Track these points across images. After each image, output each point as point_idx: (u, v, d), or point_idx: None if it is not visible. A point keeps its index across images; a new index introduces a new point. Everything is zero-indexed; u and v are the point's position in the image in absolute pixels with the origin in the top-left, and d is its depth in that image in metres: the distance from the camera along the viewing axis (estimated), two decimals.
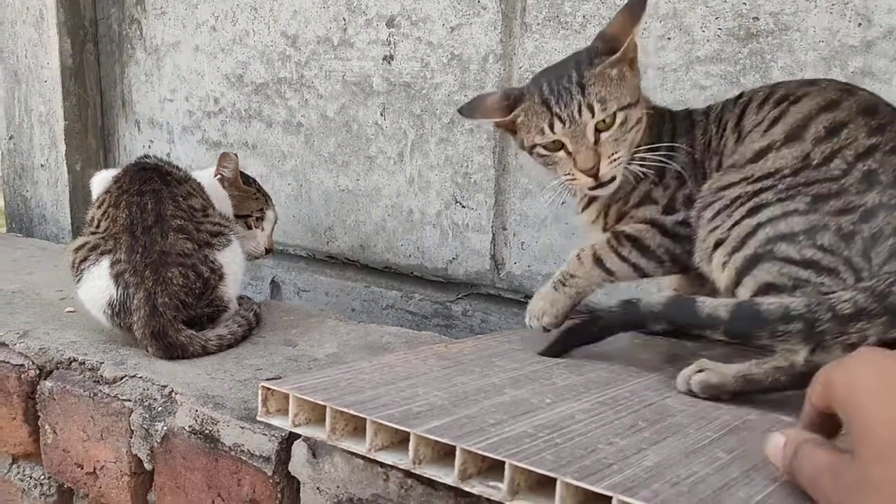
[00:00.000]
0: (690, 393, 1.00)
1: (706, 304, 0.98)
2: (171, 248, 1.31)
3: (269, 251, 1.66)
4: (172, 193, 1.37)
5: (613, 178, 1.11)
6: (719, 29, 1.33)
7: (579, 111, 1.08)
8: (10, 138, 2.50)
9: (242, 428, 1.06)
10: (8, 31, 2.42)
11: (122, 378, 1.23)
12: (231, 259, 1.38)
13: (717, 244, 1.03)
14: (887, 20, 1.20)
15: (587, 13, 1.45)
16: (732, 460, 0.79)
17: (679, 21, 1.36)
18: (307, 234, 1.95)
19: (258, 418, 0.96)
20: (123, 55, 2.32)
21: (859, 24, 1.22)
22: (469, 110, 1.19)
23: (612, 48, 1.09)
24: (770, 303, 0.93)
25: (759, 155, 1.03)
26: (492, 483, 0.77)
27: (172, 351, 1.27)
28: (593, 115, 1.07)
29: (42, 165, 2.42)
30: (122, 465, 1.21)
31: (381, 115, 1.76)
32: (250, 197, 1.58)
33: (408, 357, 1.12)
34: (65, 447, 1.28)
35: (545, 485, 0.75)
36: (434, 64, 1.66)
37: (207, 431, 1.10)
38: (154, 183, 1.37)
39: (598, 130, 1.08)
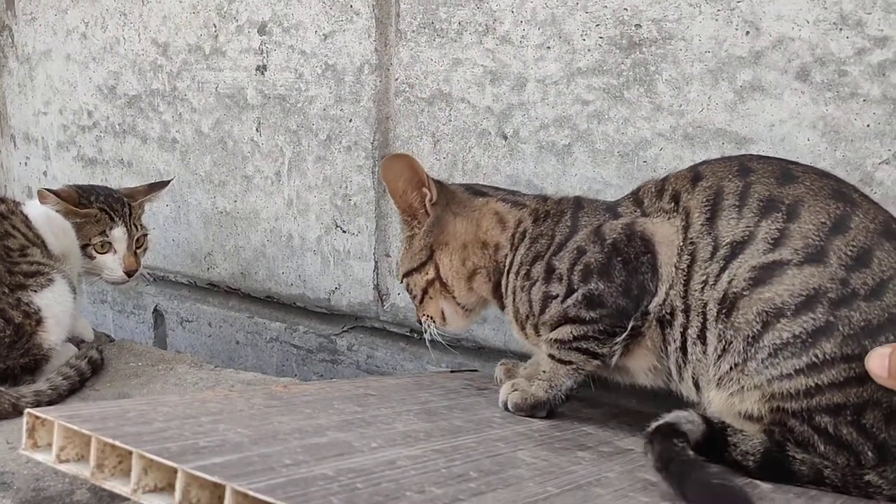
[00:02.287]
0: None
1: (736, 449, 0.88)
2: None
3: (130, 273, 1.46)
4: None
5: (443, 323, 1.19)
6: (600, 37, 1.20)
7: None
8: None
9: None
10: None
11: None
12: (53, 301, 1.21)
13: (756, 386, 0.89)
14: (777, 28, 1.08)
15: (463, 19, 1.31)
16: None
17: (558, 28, 1.23)
18: (187, 260, 1.79)
19: (20, 451, 0.80)
20: None
21: (747, 33, 1.10)
22: None
23: None
24: (802, 462, 0.87)
25: (769, 272, 0.88)
26: None
27: None
28: None
29: None
30: None
31: (257, 130, 1.60)
32: (90, 221, 1.40)
33: (230, 395, 0.98)
34: None
35: None
36: (308, 75, 1.51)
37: None
38: None
39: None
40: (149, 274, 1.84)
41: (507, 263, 1.11)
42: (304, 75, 1.51)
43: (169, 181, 1.59)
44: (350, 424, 0.89)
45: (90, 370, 1.25)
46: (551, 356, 1.04)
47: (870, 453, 0.84)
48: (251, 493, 0.63)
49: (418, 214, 1.14)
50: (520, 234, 1.11)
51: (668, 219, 0.98)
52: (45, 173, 2.04)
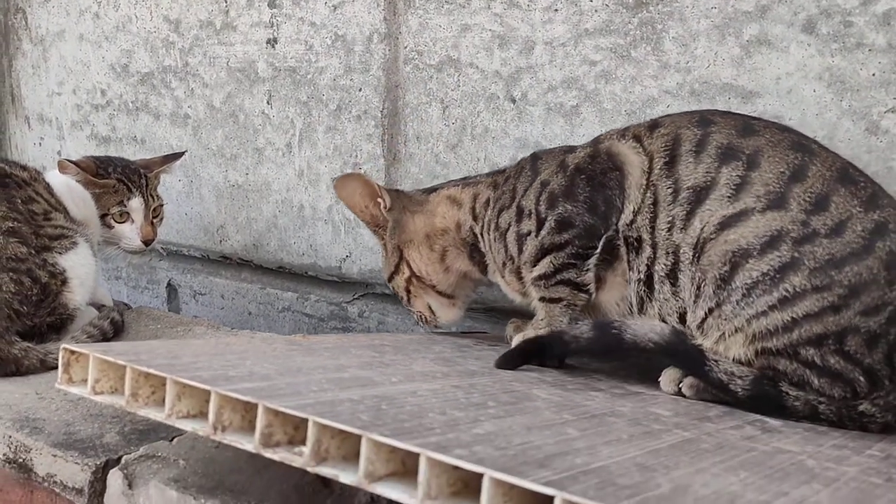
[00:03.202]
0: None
1: (718, 367, 0.92)
2: (1, 253, 1.17)
3: (147, 242, 1.48)
4: (9, 195, 1.24)
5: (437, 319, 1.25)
6: None
7: None
8: None
9: (55, 456, 0.93)
10: None
11: None
12: (77, 263, 1.24)
13: (737, 329, 0.92)
14: None
15: None
16: (582, 437, 0.70)
17: None
18: (200, 234, 1.81)
19: (57, 385, 0.83)
20: (10, 47, 2.16)
21: None
22: None
23: None
24: (796, 398, 0.89)
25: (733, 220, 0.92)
26: (298, 449, 0.66)
27: (5, 366, 1.14)
28: None
29: None
30: None
31: (268, 103, 1.63)
32: (108, 191, 1.43)
33: (253, 340, 1.01)
34: None
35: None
36: (318, 46, 1.53)
37: (21, 460, 0.97)
38: None
39: None
40: (162, 248, 1.87)
41: (479, 229, 1.17)
42: (314, 47, 1.54)
43: (183, 152, 1.62)
44: (370, 365, 0.91)
45: (112, 330, 1.28)
46: (542, 299, 1.07)
47: (861, 378, 0.87)
48: (282, 409, 0.65)
49: (382, 223, 1.23)
50: (482, 205, 1.17)
51: (635, 151, 1.02)
52: (59, 153, 2.06)
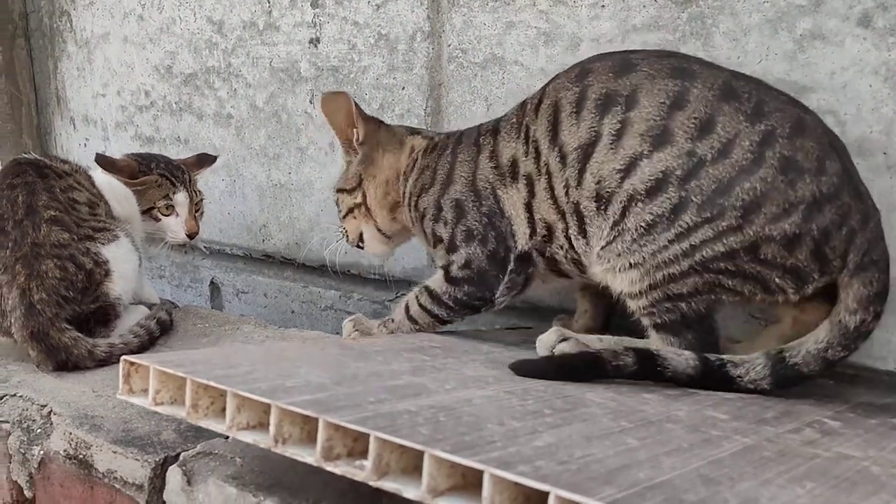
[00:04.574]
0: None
1: (743, 379, 0.94)
2: (44, 240, 1.20)
3: (192, 235, 1.51)
4: (48, 185, 1.27)
5: (360, 245, 1.28)
6: None
7: None
8: None
9: (115, 453, 0.96)
10: None
11: (1, 397, 1.13)
12: (118, 255, 1.27)
13: (631, 265, 0.95)
14: None
15: None
16: (642, 447, 0.69)
17: None
18: (243, 233, 1.83)
19: (118, 396, 0.85)
20: (56, 49, 2.20)
21: None
22: None
23: None
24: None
25: (628, 170, 0.94)
26: (359, 462, 0.67)
27: (56, 354, 1.16)
28: None
29: None
30: (3, 492, 1.10)
31: (311, 102, 1.63)
32: (151, 186, 1.46)
33: (305, 345, 1.02)
34: None
35: (421, 467, 0.65)
36: (361, 45, 1.54)
37: (81, 456, 1.00)
38: (27, 176, 1.27)
39: None
40: (205, 247, 1.90)
41: (402, 189, 1.19)
42: (356, 46, 1.54)
43: (216, 157, 1.63)
44: (422, 370, 0.91)
45: (159, 330, 1.30)
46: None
47: (777, 279, 0.90)
48: (343, 424, 0.66)
49: (354, 146, 1.23)
50: (410, 165, 1.19)
51: (522, 159, 1.05)
52: (104, 153, 2.10)
